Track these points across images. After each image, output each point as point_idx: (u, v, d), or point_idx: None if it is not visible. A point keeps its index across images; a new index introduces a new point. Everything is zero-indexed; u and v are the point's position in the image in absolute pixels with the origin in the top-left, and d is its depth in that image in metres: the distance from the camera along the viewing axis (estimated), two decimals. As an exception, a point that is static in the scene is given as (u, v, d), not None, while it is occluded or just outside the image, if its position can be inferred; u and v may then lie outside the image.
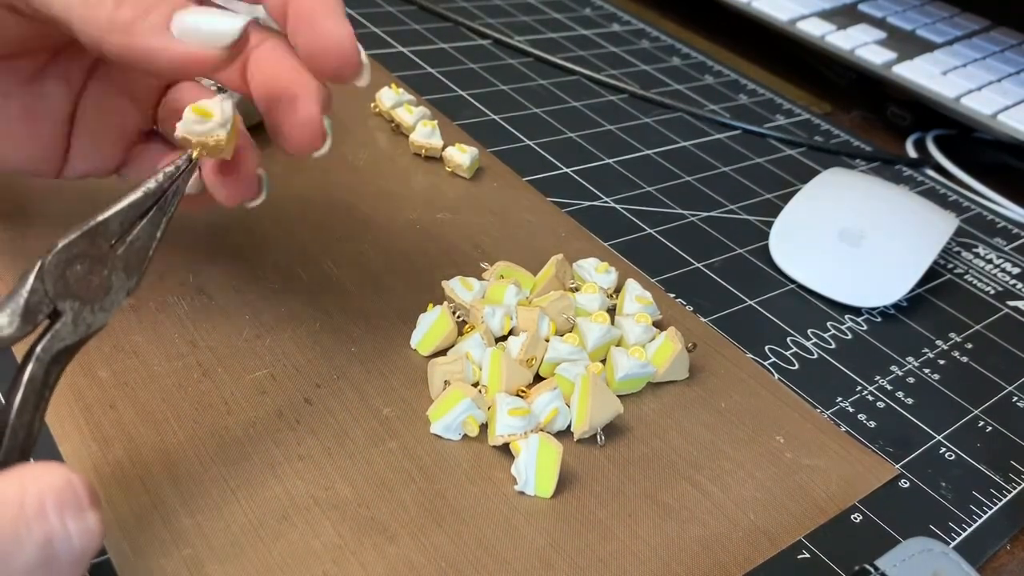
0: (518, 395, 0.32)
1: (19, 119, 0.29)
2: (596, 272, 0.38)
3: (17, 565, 0.18)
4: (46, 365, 0.21)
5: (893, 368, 0.39)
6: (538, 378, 0.34)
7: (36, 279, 0.21)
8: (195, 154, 0.24)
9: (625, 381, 0.34)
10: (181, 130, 0.24)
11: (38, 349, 0.21)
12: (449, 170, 0.45)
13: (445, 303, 0.34)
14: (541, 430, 0.31)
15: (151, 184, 0.24)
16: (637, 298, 0.37)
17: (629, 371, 0.33)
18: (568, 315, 0.35)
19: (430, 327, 0.34)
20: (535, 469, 0.29)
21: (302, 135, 0.27)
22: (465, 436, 0.31)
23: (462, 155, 0.45)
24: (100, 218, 0.23)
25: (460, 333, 0.34)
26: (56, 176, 0.31)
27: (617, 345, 0.35)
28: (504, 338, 0.35)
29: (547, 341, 0.34)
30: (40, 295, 0.21)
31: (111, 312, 0.23)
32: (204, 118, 0.24)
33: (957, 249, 0.50)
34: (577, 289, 0.38)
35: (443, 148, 0.46)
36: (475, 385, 0.32)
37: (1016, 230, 0.53)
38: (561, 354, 0.33)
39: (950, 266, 0.48)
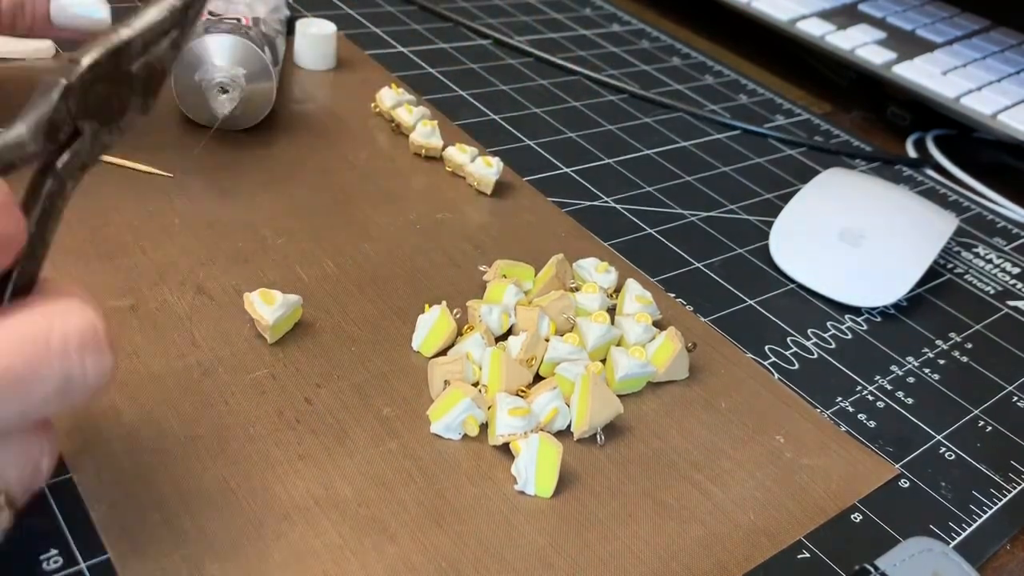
0: (518, 395, 0.32)
1: None
2: (596, 272, 0.38)
3: (36, 396, 0.19)
4: (63, 180, 0.21)
5: (893, 368, 0.39)
6: (538, 378, 0.34)
7: (61, 99, 0.21)
8: None
9: (625, 381, 0.34)
10: None
11: (58, 166, 0.21)
12: (473, 184, 0.45)
13: (444, 303, 0.34)
14: (541, 430, 0.31)
15: (172, 12, 0.22)
16: (637, 298, 0.37)
17: (629, 371, 0.33)
18: (568, 315, 0.35)
19: (431, 328, 0.34)
20: (535, 469, 0.29)
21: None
22: (465, 436, 0.31)
23: (487, 169, 0.44)
24: (124, 37, 0.22)
25: (460, 332, 0.34)
26: None
27: (617, 345, 0.35)
28: (504, 337, 0.35)
29: (547, 341, 0.34)
30: (63, 114, 0.21)
31: (126, 131, 0.22)
32: None
33: (957, 249, 0.50)
34: (577, 289, 0.38)
35: (443, 148, 0.46)
36: (475, 385, 0.32)
37: (1016, 230, 0.53)
38: (561, 354, 0.33)
39: (950, 266, 0.48)
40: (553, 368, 0.33)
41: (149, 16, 0.22)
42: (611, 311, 0.37)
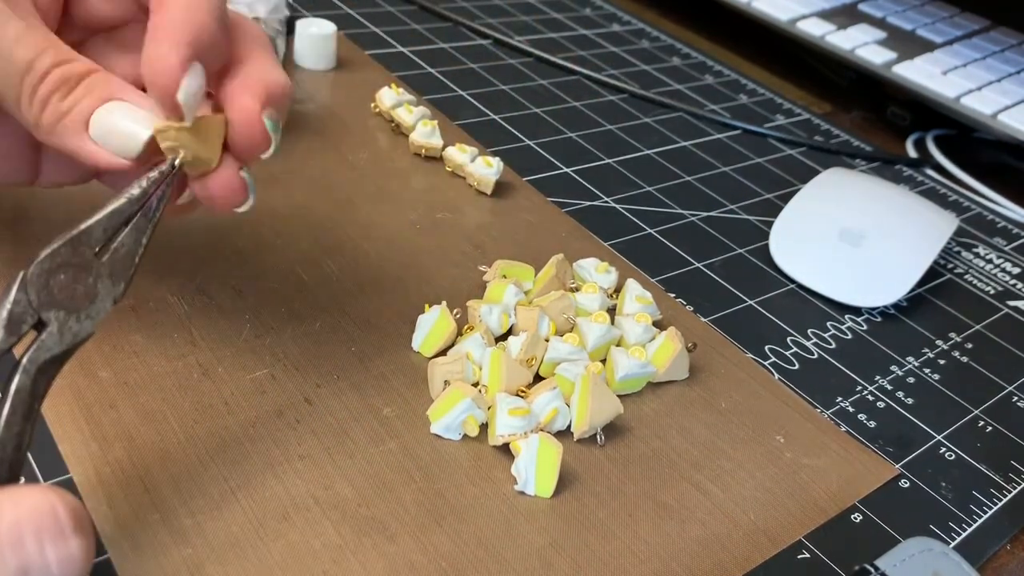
0: (518, 395, 0.32)
1: None
2: (596, 272, 0.38)
3: None
4: (33, 376, 0.21)
5: (893, 368, 0.39)
6: (538, 378, 0.34)
7: (19, 290, 0.21)
8: (179, 160, 0.24)
9: (625, 381, 0.34)
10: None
11: (24, 360, 0.21)
12: (473, 184, 0.45)
13: (444, 303, 0.34)
14: (541, 430, 0.31)
15: (134, 191, 0.23)
16: (637, 298, 0.37)
17: (629, 371, 0.33)
18: (568, 315, 0.35)
19: (431, 328, 0.33)
20: (535, 469, 0.29)
21: (220, 194, 0.26)
22: (465, 436, 0.31)
23: (487, 169, 0.44)
24: (82, 227, 0.22)
25: (460, 332, 0.34)
26: (31, 184, 0.31)
27: (617, 345, 0.35)
28: (504, 337, 0.35)
29: (547, 341, 0.34)
30: (23, 306, 0.21)
31: (97, 319, 0.22)
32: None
33: (957, 249, 0.50)
34: (577, 289, 0.38)
35: (443, 148, 0.46)
36: (475, 385, 0.32)
37: (1016, 230, 0.53)
38: (561, 354, 0.33)
39: (950, 266, 0.48)
40: (553, 368, 0.33)
41: (108, 206, 0.22)
42: (611, 311, 0.37)
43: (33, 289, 0.21)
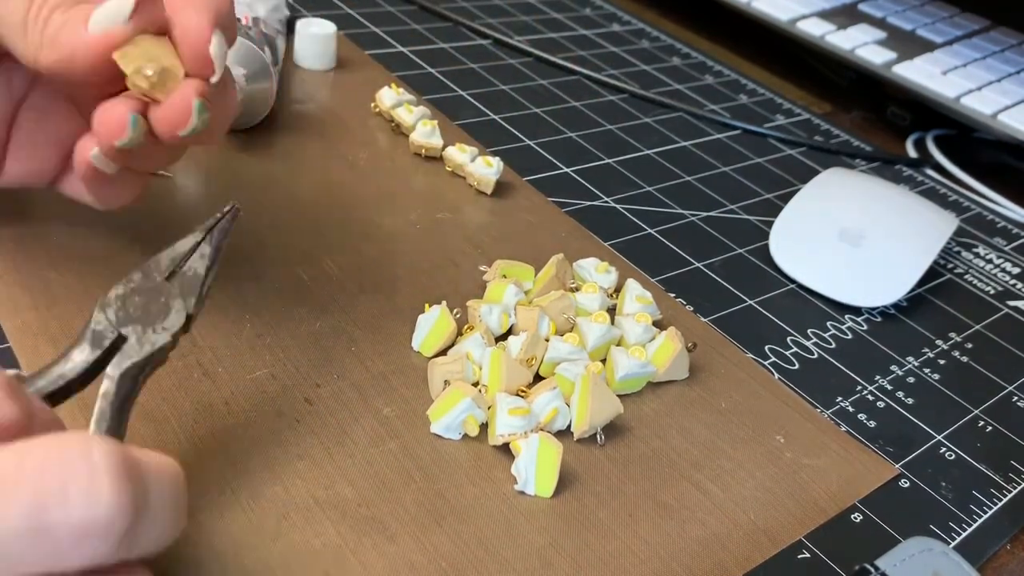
0: (518, 395, 0.32)
1: None
2: (596, 272, 0.38)
3: None
4: (116, 380, 0.24)
5: (893, 368, 0.39)
6: (538, 378, 0.34)
7: (99, 311, 0.25)
8: (232, 206, 0.28)
9: (625, 381, 0.34)
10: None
11: (108, 367, 0.24)
12: (473, 184, 0.45)
13: (444, 303, 0.34)
14: (541, 430, 0.31)
15: (198, 234, 0.27)
16: (637, 298, 0.37)
17: (629, 371, 0.33)
18: (568, 315, 0.35)
19: (431, 328, 0.34)
20: (535, 469, 0.29)
21: (170, 113, 0.27)
22: (465, 436, 0.31)
23: (487, 169, 0.44)
24: (152, 259, 0.26)
25: (460, 333, 0.34)
26: None
27: (617, 345, 0.35)
28: (504, 337, 0.35)
29: (547, 341, 0.34)
30: (104, 324, 0.24)
31: (173, 330, 0.25)
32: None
33: (957, 249, 0.50)
34: (577, 289, 0.38)
35: (443, 148, 0.46)
36: (475, 385, 0.32)
37: (1016, 230, 0.53)
38: (561, 353, 0.33)
39: (950, 266, 0.48)
40: (553, 368, 0.33)
41: (175, 244, 0.26)
42: (611, 311, 0.37)
43: (111, 310, 0.25)
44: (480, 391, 0.31)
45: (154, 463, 0.19)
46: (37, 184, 0.32)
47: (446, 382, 0.32)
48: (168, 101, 0.26)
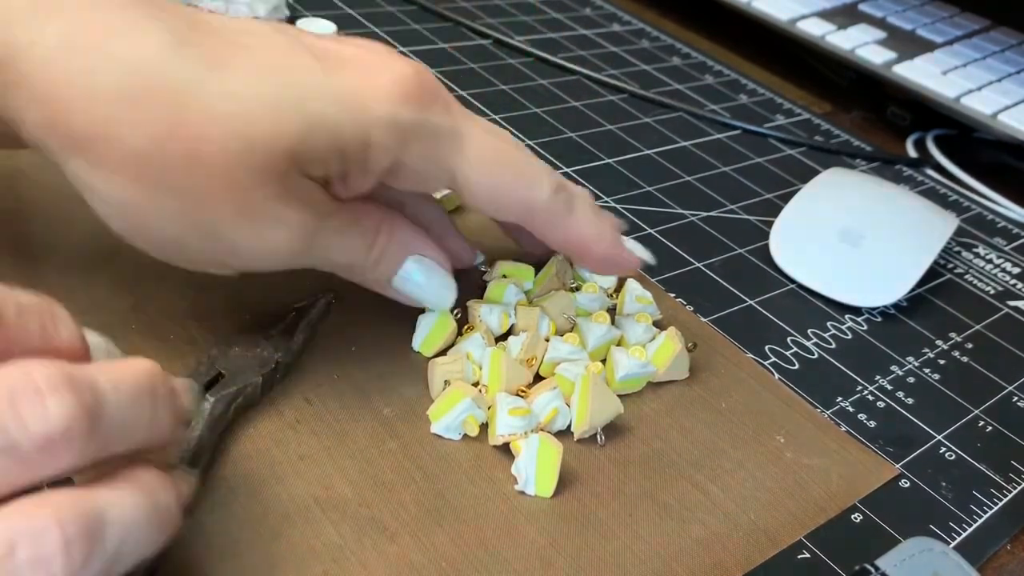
0: (518, 395, 0.32)
1: None
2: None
3: None
4: (212, 404, 0.28)
5: (893, 368, 0.39)
6: (538, 378, 0.34)
7: (208, 358, 0.30)
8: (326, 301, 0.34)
9: (625, 381, 0.34)
10: None
11: (208, 393, 0.29)
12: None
13: None
14: (541, 430, 0.31)
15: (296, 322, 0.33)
16: (638, 298, 0.37)
17: (629, 371, 0.33)
18: (568, 314, 0.35)
19: (432, 328, 0.33)
20: (535, 469, 0.29)
21: (608, 268, 0.36)
22: (465, 436, 0.31)
23: None
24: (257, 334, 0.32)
25: (460, 333, 0.34)
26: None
27: (617, 345, 0.35)
28: (504, 337, 0.35)
29: (547, 341, 0.34)
30: (207, 366, 0.30)
31: (261, 371, 0.30)
32: None
33: (957, 249, 0.50)
34: (577, 289, 0.38)
35: (443, 148, 0.46)
36: (475, 385, 0.32)
37: (1016, 230, 0.53)
38: (561, 354, 0.33)
39: (950, 266, 0.48)
40: (553, 368, 0.33)
41: (278, 324, 0.33)
42: (611, 311, 0.37)
43: (216, 356, 0.30)
44: (480, 391, 0.31)
45: (108, 370, 0.20)
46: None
47: (446, 382, 0.32)
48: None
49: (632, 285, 0.38)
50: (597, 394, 0.31)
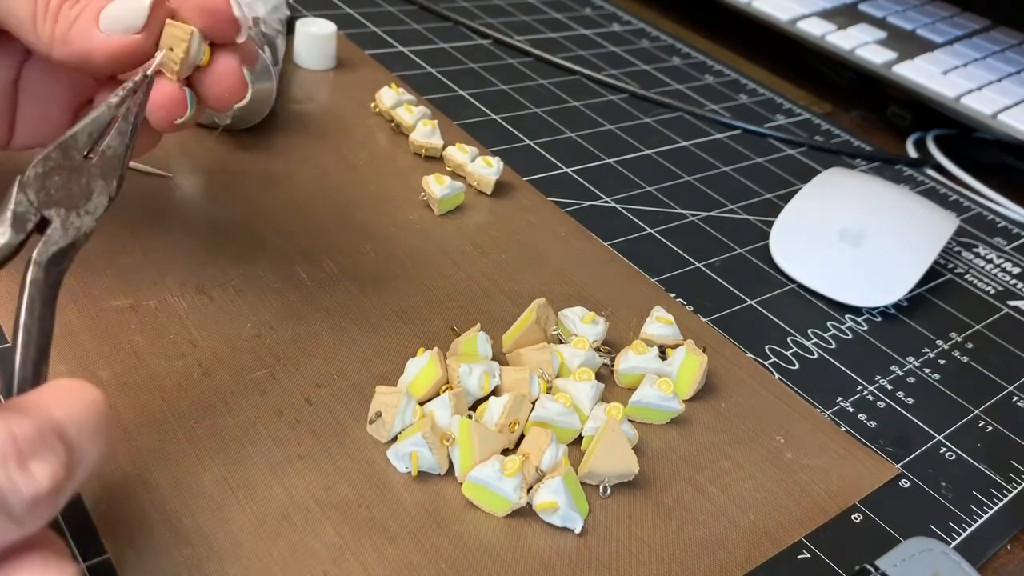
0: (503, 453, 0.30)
1: None
2: (582, 323, 0.35)
3: None
4: (44, 267, 0.23)
5: (893, 368, 0.39)
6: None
7: (19, 192, 0.23)
8: (152, 69, 0.26)
9: (640, 408, 0.32)
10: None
11: (34, 254, 0.23)
12: (473, 184, 0.44)
13: (435, 349, 0.32)
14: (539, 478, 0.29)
15: (112, 99, 0.25)
16: (658, 319, 0.36)
17: (644, 398, 0.32)
18: (546, 371, 0.33)
19: (417, 375, 0.31)
20: (571, 499, 0.28)
21: (220, 87, 0.28)
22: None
23: (487, 169, 0.43)
24: (69, 133, 0.24)
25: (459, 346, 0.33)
26: (4, 148, 0.31)
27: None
28: (486, 398, 0.32)
29: (533, 403, 0.31)
30: (25, 205, 0.23)
31: (96, 215, 0.25)
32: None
33: (957, 249, 0.50)
34: (561, 341, 0.35)
35: (443, 148, 0.46)
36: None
37: (1016, 230, 0.53)
38: (551, 414, 0.31)
39: (950, 266, 0.48)
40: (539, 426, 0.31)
41: (91, 114, 0.25)
42: (608, 365, 0.35)
43: (31, 190, 0.23)
44: (470, 416, 0.30)
45: (67, 413, 0.20)
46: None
47: (378, 413, 0.30)
48: (219, 71, 0.27)
49: (657, 310, 0.36)
50: (611, 443, 0.29)
